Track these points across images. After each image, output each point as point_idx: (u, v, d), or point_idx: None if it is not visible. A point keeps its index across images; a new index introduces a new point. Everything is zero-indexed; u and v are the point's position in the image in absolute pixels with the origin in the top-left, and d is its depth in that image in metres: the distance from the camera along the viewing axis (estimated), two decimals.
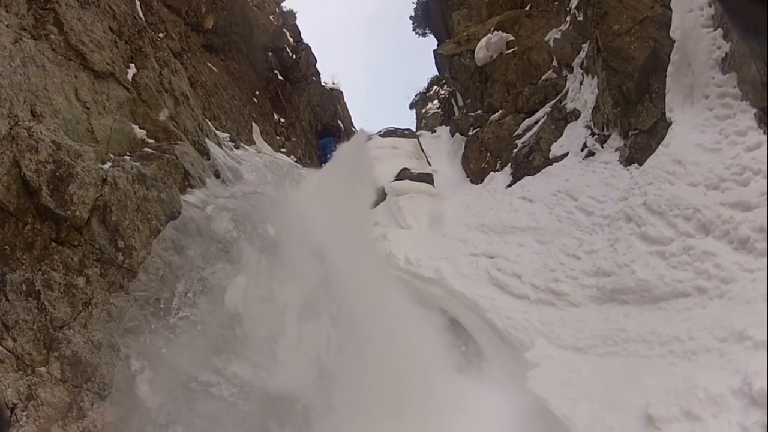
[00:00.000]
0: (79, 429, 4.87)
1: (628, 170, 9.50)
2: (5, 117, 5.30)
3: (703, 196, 7.40)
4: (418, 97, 41.28)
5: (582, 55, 12.90)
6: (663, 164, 8.29)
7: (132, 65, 8.83)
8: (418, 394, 7.50)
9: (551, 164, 11.93)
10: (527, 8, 17.91)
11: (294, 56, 25.29)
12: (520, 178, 12.55)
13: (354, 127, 30.22)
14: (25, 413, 4.49)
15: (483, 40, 17.67)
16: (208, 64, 18.06)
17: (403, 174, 14.99)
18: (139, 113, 8.20)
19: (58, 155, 5.53)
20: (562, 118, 12.70)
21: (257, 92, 21.23)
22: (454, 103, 22.16)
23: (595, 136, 11.08)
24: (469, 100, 19.20)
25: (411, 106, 42.02)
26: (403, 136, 18.84)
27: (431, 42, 32.88)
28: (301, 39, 27.18)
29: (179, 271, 6.64)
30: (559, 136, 12.38)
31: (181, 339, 6.12)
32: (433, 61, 22.38)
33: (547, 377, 7.33)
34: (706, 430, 5.11)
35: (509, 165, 13.58)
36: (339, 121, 28.66)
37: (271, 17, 24.52)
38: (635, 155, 9.50)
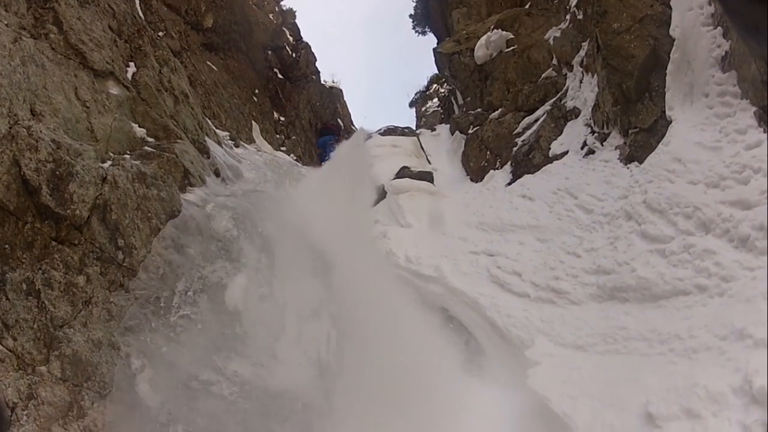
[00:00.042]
0: (80, 428, 4.88)
1: (628, 168, 9.50)
2: (5, 116, 5.30)
3: (703, 194, 7.40)
4: (418, 95, 41.27)
5: (582, 53, 12.89)
6: (663, 162, 8.29)
7: (131, 64, 8.83)
8: (419, 393, 7.50)
9: (551, 162, 11.92)
10: (527, 6, 17.89)
11: (294, 55, 25.30)
12: (520, 177, 12.54)
13: (354, 125, 30.26)
14: (25, 412, 4.49)
15: (483, 39, 17.66)
16: (208, 62, 18.07)
17: (403, 172, 14.99)
18: (139, 112, 8.20)
19: (57, 154, 5.52)
20: (562, 117, 12.69)
21: (257, 91, 21.24)
22: (453, 102, 22.16)
23: (595, 135, 11.08)
24: (468, 99, 19.19)
25: (411, 105, 42.04)
26: (403, 135, 18.86)
27: (431, 40, 32.89)
28: (301, 37, 27.19)
29: (179, 269, 6.64)
30: (559, 135, 12.37)
31: (182, 337, 6.12)
32: (433, 59, 22.35)
33: (548, 375, 7.33)
34: (707, 428, 5.11)
35: (509, 163, 13.58)
36: (339, 120, 28.68)
37: (270, 16, 24.52)
38: (635, 153, 9.49)
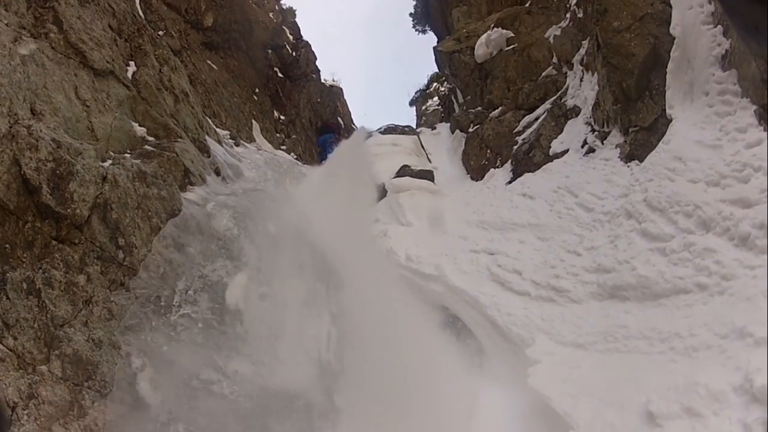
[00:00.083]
0: (80, 427, 4.88)
1: (628, 167, 9.50)
2: (5, 115, 5.30)
3: (703, 192, 7.40)
4: (418, 94, 41.28)
5: (582, 51, 12.89)
6: (663, 161, 8.29)
7: (132, 63, 8.82)
8: (419, 391, 7.50)
9: (551, 161, 11.92)
10: (527, 5, 17.90)
11: (294, 53, 25.29)
12: (520, 175, 12.54)
13: (354, 124, 30.25)
14: (26, 412, 4.50)
15: (483, 37, 17.66)
16: (208, 61, 18.06)
17: (404, 171, 14.99)
18: (139, 111, 8.19)
19: (58, 153, 5.52)
20: (562, 115, 12.69)
21: (257, 90, 21.23)
22: (454, 100, 22.18)
23: (596, 133, 11.08)
24: (469, 97, 19.20)
25: (411, 103, 42.04)
26: (403, 133, 18.86)
27: (431, 39, 32.87)
28: (301, 36, 27.18)
29: (180, 268, 6.64)
30: (560, 133, 12.37)
31: (182, 336, 6.12)
32: (433, 57, 22.37)
33: (548, 374, 7.33)
34: (707, 427, 5.11)
35: (509, 162, 13.57)
36: (339, 119, 28.67)
37: (270, 15, 24.51)
38: (635, 152, 9.49)
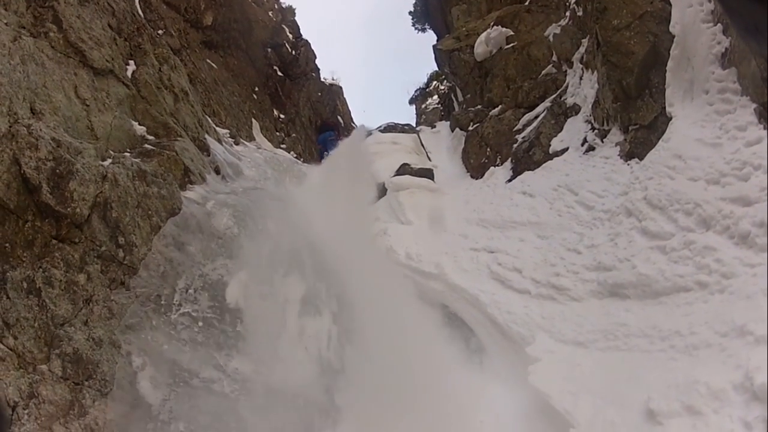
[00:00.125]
0: (81, 426, 4.88)
1: (628, 165, 9.49)
2: (5, 115, 5.31)
3: (703, 191, 7.39)
4: (418, 92, 41.21)
5: (582, 50, 12.88)
6: (663, 159, 8.29)
7: (131, 62, 8.83)
8: (419, 389, 7.49)
9: (551, 159, 11.91)
10: (527, 3, 17.86)
11: (293, 52, 25.31)
12: (520, 173, 12.53)
13: (354, 122, 30.24)
14: (26, 411, 4.50)
15: (482, 35, 17.64)
16: (208, 60, 18.07)
17: (404, 169, 14.97)
18: (139, 110, 8.20)
19: (58, 152, 5.53)
20: (562, 113, 12.68)
21: (257, 88, 21.24)
22: (453, 99, 22.15)
23: (596, 131, 11.07)
24: (468, 96, 19.17)
25: (411, 102, 41.96)
26: (403, 132, 18.84)
27: (431, 37, 32.86)
28: (301, 35, 27.19)
29: (180, 267, 6.65)
30: (559, 131, 12.36)
31: (183, 335, 6.12)
32: (433, 56, 22.34)
33: (549, 372, 7.33)
34: (708, 425, 5.11)
35: (509, 160, 13.56)
36: (339, 117, 28.67)
37: (270, 13, 24.53)
38: (635, 150, 9.49)
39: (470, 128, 17.03)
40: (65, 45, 7.20)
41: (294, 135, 23.00)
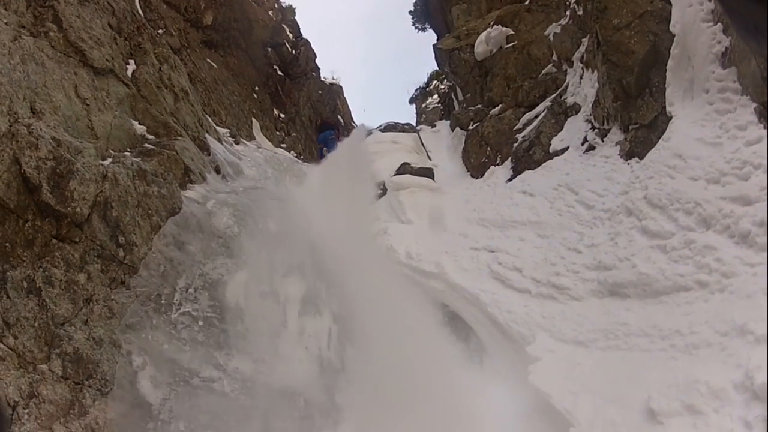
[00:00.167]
0: (81, 426, 4.88)
1: (628, 164, 9.49)
2: (5, 114, 5.30)
3: (703, 190, 7.39)
4: (418, 91, 41.24)
5: (582, 49, 12.88)
6: (663, 158, 8.28)
7: (131, 61, 8.83)
8: (420, 389, 7.50)
9: (552, 158, 11.91)
10: (527, 3, 17.87)
11: (293, 52, 25.32)
12: (520, 172, 12.54)
13: (354, 122, 30.25)
14: (26, 411, 4.50)
15: (483, 35, 17.65)
16: (208, 60, 18.07)
17: (404, 168, 14.98)
18: (139, 109, 8.20)
19: (58, 152, 5.53)
20: (562, 112, 12.68)
21: (257, 88, 21.25)
22: (454, 98, 22.17)
23: (596, 130, 11.07)
24: (469, 95, 19.18)
25: (411, 101, 42.00)
26: (403, 131, 18.85)
27: (431, 37, 32.90)
28: (301, 34, 27.20)
29: (180, 266, 6.65)
30: (560, 130, 12.36)
31: (183, 334, 6.12)
32: (433, 55, 22.36)
33: (549, 371, 7.33)
34: (708, 424, 5.11)
35: (509, 159, 13.57)
36: (339, 117, 28.67)
37: (270, 13, 24.53)
38: (636, 149, 9.49)
39: (470, 127, 17.05)
40: (65, 44, 7.20)
41: (294, 134, 23.01)
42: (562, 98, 13.02)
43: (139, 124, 8.02)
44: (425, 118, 33.19)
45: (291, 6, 27.64)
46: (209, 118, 12.12)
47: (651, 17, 9.89)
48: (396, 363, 7.72)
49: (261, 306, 7.15)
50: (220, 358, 6.29)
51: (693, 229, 7.21)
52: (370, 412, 7.10)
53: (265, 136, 19.09)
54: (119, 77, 8.01)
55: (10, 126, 5.27)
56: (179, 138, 8.42)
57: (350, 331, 8.00)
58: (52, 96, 6.32)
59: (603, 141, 10.69)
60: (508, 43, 16.86)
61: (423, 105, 38.13)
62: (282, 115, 22.60)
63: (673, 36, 9.00)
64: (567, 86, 13.25)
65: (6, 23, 6.30)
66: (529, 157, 12.64)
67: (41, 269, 5.11)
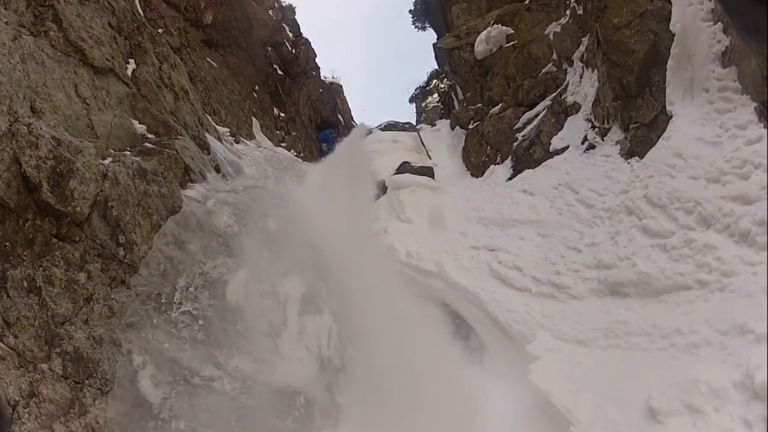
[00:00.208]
0: (82, 425, 4.88)
1: (628, 163, 9.49)
2: (5, 114, 5.30)
3: (703, 189, 7.39)
4: (418, 90, 41.20)
5: (582, 48, 12.88)
6: (664, 157, 8.28)
7: (131, 61, 8.83)
8: (420, 388, 7.50)
9: (552, 157, 11.92)
10: (527, 2, 17.86)
11: (293, 51, 25.31)
12: (520, 171, 12.54)
13: (354, 121, 30.22)
14: (26, 410, 4.50)
15: (483, 34, 17.65)
16: (208, 59, 18.06)
17: (404, 167, 14.97)
18: (139, 108, 8.20)
19: (58, 151, 5.53)
20: (562, 111, 12.68)
21: (257, 87, 21.24)
22: (454, 97, 22.16)
23: (596, 129, 11.07)
24: (469, 94, 19.18)
25: (411, 100, 41.93)
26: (403, 130, 18.83)
27: (431, 36, 32.91)
28: (301, 33, 27.20)
29: (180, 265, 6.65)
30: (560, 129, 12.36)
31: (183, 334, 6.13)
32: (433, 54, 22.35)
33: (549, 370, 7.34)
34: (708, 423, 5.12)
35: (510, 158, 13.57)
36: (339, 116, 28.66)
37: (270, 12, 24.52)
38: (636, 148, 9.49)
39: (470, 126, 17.06)
40: (65, 44, 7.20)
41: (294, 133, 23.00)
42: (563, 97, 13.02)
43: (139, 123, 8.02)
44: (425, 117, 33.15)
45: (291, 5, 27.67)
46: (209, 117, 12.12)
47: (651, 16, 9.89)
48: (396, 362, 7.73)
49: (261, 305, 7.15)
50: (221, 357, 6.30)
51: (693, 228, 7.21)
52: (370, 411, 7.11)
53: (265, 135, 19.07)
54: (119, 76, 8.01)
55: (10, 125, 5.27)
56: (179, 137, 8.42)
57: (350, 330, 8.00)
58: (52, 95, 6.31)
59: (603, 140, 10.69)
60: (508, 42, 16.87)
61: (423, 104, 38.09)
62: (282, 114, 22.59)
63: (673, 35, 9.00)
64: (567, 85, 13.25)
65: (6, 23, 6.30)
66: (530, 156, 12.64)
67: (41, 268, 5.11)
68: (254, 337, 6.76)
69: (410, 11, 37.40)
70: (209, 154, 9.47)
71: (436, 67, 28.92)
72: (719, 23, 8.41)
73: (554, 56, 14.84)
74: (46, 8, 7.19)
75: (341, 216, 11.52)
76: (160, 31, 13.78)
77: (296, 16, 27.53)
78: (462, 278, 10.10)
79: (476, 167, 15.43)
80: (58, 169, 5.45)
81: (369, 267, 10.00)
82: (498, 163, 14.10)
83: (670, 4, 9.39)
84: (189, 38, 17.17)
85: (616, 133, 10.35)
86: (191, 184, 7.97)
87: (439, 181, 15.00)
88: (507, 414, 7.36)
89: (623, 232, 8.25)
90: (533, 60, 15.78)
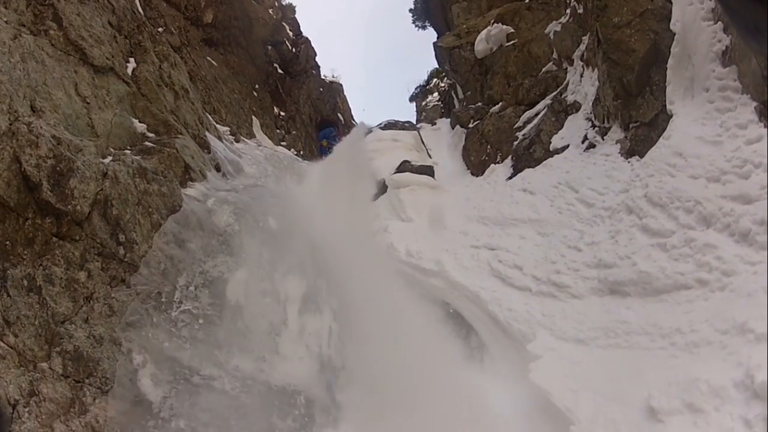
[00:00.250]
0: (82, 424, 4.88)
1: (629, 162, 9.49)
2: (5, 113, 5.30)
3: (704, 188, 7.39)
4: (418, 89, 41.23)
5: (582, 47, 12.88)
6: (664, 156, 8.28)
7: (131, 60, 8.83)
8: (420, 387, 7.49)
9: (552, 156, 11.92)
10: (527, 1, 17.88)
11: (293, 50, 25.31)
12: (520, 170, 12.54)
13: (354, 120, 30.23)
14: (27, 409, 4.50)
15: (483, 33, 17.67)
16: (208, 58, 18.06)
17: (404, 166, 14.96)
18: (139, 107, 8.20)
19: (58, 150, 5.53)
20: (562, 111, 12.69)
21: (257, 86, 21.24)
22: (454, 96, 22.16)
23: (596, 129, 11.07)
24: (469, 93, 19.19)
25: (411, 99, 41.97)
26: (403, 129, 18.80)
27: (431, 35, 32.94)
28: (301, 32, 27.19)
29: (181, 264, 6.65)
30: (560, 129, 12.37)
31: (183, 332, 6.13)
32: (433, 53, 22.37)
33: (550, 369, 7.33)
34: (708, 422, 5.11)
35: (510, 157, 13.58)
36: (339, 114, 28.66)
37: (270, 11, 24.51)
38: (636, 147, 9.49)
39: (471, 125, 17.06)
40: (65, 43, 7.20)
41: (294, 132, 23.01)
42: (563, 96, 13.02)
43: (140, 122, 8.03)
44: (425, 116, 33.15)
45: (291, 4, 27.65)
46: (209, 116, 12.13)
47: (651, 15, 9.89)
48: (397, 361, 7.72)
49: (261, 304, 7.15)
50: (221, 356, 6.30)
51: (693, 228, 7.21)
52: (370, 410, 7.10)
53: (265, 134, 19.08)
54: (119, 75, 8.01)
55: (11, 124, 5.26)
56: (179, 136, 8.42)
57: (351, 329, 7.99)
58: (53, 94, 6.31)
59: (603, 139, 10.69)
60: (508, 41, 16.89)
61: (423, 103, 38.10)
62: (282, 113, 22.59)
63: (674, 34, 9.00)
64: (567, 84, 13.25)
65: (6, 22, 6.30)
66: (530, 155, 12.64)
67: (41, 267, 5.11)
68: (254, 336, 6.76)
69: (410, 10, 37.49)
70: (209, 152, 9.48)
71: (437, 66, 28.96)
72: (719, 22, 8.41)
73: (554, 55, 14.86)
74: (46, 7, 7.19)
75: (341, 215, 11.52)
76: (160, 30, 13.79)
77: (296, 15, 27.55)
78: (462, 277, 10.09)
79: (476, 166, 15.43)
80: (58, 168, 5.45)
81: (369, 266, 10.00)
82: (498, 162, 14.11)
83: (671, 3, 9.39)
84: (189, 37, 17.17)
85: (616, 132, 10.35)
86: (191, 183, 7.97)
87: (440, 180, 14.99)
88: (507, 413, 7.34)
89: (623, 231, 8.25)
90: (533, 59, 15.80)
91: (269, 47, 23.34)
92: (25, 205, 5.14)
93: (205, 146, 9.42)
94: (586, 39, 12.61)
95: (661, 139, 8.69)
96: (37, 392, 4.63)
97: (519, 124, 14.37)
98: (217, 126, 12.56)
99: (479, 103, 17.72)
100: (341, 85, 31.21)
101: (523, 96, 15.08)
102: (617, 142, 10.21)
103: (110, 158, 6.57)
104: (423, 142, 18.24)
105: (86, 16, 7.86)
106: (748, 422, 4.82)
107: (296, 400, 6.70)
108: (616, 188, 9.19)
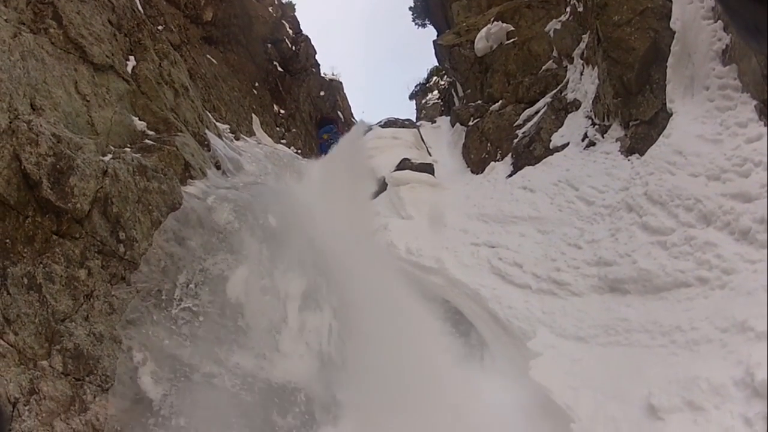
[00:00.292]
0: (82, 422, 4.88)
1: (629, 160, 9.49)
2: (5, 111, 5.30)
3: (704, 186, 7.39)
4: (418, 87, 41.16)
5: (582, 45, 12.88)
6: (664, 155, 8.28)
7: (131, 58, 8.83)
8: (420, 384, 7.50)
9: (552, 154, 11.92)
10: None
11: (293, 48, 25.29)
12: (520, 168, 12.54)
13: (354, 118, 30.21)
14: (27, 407, 4.50)
15: (483, 31, 17.65)
16: (208, 56, 18.06)
17: (404, 164, 14.97)
18: (139, 105, 8.20)
19: (58, 148, 5.53)
20: (562, 109, 12.68)
21: (257, 84, 21.23)
22: (454, 94, 22.15)
23: (596, 127, 11.07)
24: (469, 91, 19.18)
25: (411, 97, 41.90)
26: (403, 127, 18.81)
27: (431, 33, 32.89)
28: (301, 30, 27.17)
29: (181, 262, 6.65)
30: (560, 126, 12.37)
31: (183, 330, 6.13)
32: (433, 51, 22.36)
33: (550, 367, 7.33)
34: (709, 420, 5.12)
35: (510, 155, 13.58)
36: (339, 113, 28.64)
37: (270, 9, 24.49)
38: (636, 145, 9.49)
39: (470, 123, 17.07)
40: (65, 41, 7.20)
41: (294, 130, 23.00)
42: (563, 94, 13.02)
43: (140, 120, 8.03)
44: (425, 114, 33.12)
45: (291, 2, 27.63)
46: (209, 114, 12.13)
47: (651, 14, 9.88)
48: (397, 358, 7.72)
49: (261, 301, 7.16)
50: (221, 353, 6.30)
51: (693, 226, 7.21)
52: (370, 407, 7.10)
53: (265, 132, 19.07)
54: (119, 73, 8.01)
55: (11, 122, 5.26)
56: (179, 134, 8.42)
57: (351, 326, 8.00)
58: (52, 92, 6.31)
59: (603, 137, 10.69)
60: (508, 40, 16.88)
61: (423, 101, 38.05)
62: (282, 111, 22.58)
63: (674, 33, 8.99)
64: (567, 82, 13.25)
65: (6, 20, 6.30)
66: (530, 153, 12.64)
67: (42, 265, 5.11)
68: (254, 334, 6.77)
69: (410, 8, 37.42)
70: (209, 150, 9.48)
71: (436, 64, 28.98)
72: (719, 21, 8.40)
73: (554, 53, 14.86)
74: (45, 5, 7.19)
75: (341, 213, 11.53)
76: (159, 28, 13.78)
77: (296, 13, 27.55)
78: (462, 275, 10.09)
79: (476, 164, 15.43)
80: (58, 166, 5.45)
81: (369, 263, 10.01)
82: (498, 160, 14.10)
83: (671, 1, 9.39)
84: (189, 35, 17.16)
85: (616, 131, 10.35)
86: (191, 181, 7.98)
87: (439, 178, 15.00)
88: (507, 410, 7.34)
89: (623, 229, 8.25)
90: (533, 57, 15.79)
91: (269, 45, 23.32)
92: (25, 203, 5.14)
93: (205, 144, 9.42)
94: (586, 37, 12.61)
95: (661, 137, 8.69)
96: (37, 390, 4.63)
97: (519, 122, 14.38)
98: (217, 124, 12.56)
99: (479, 101, 17.72)
100: (341, 82, 31.19)
101: (523, 94, 15.09)
102: (617, 140, 10.21)
103: (110, 156, 6.57)
104: (423, 140, 18.24)
105: (86, 14, 7.86)
106: (748, 420, 4.83)
107: (296, 398, 6.71)
108: (616, 186, 9.19)
